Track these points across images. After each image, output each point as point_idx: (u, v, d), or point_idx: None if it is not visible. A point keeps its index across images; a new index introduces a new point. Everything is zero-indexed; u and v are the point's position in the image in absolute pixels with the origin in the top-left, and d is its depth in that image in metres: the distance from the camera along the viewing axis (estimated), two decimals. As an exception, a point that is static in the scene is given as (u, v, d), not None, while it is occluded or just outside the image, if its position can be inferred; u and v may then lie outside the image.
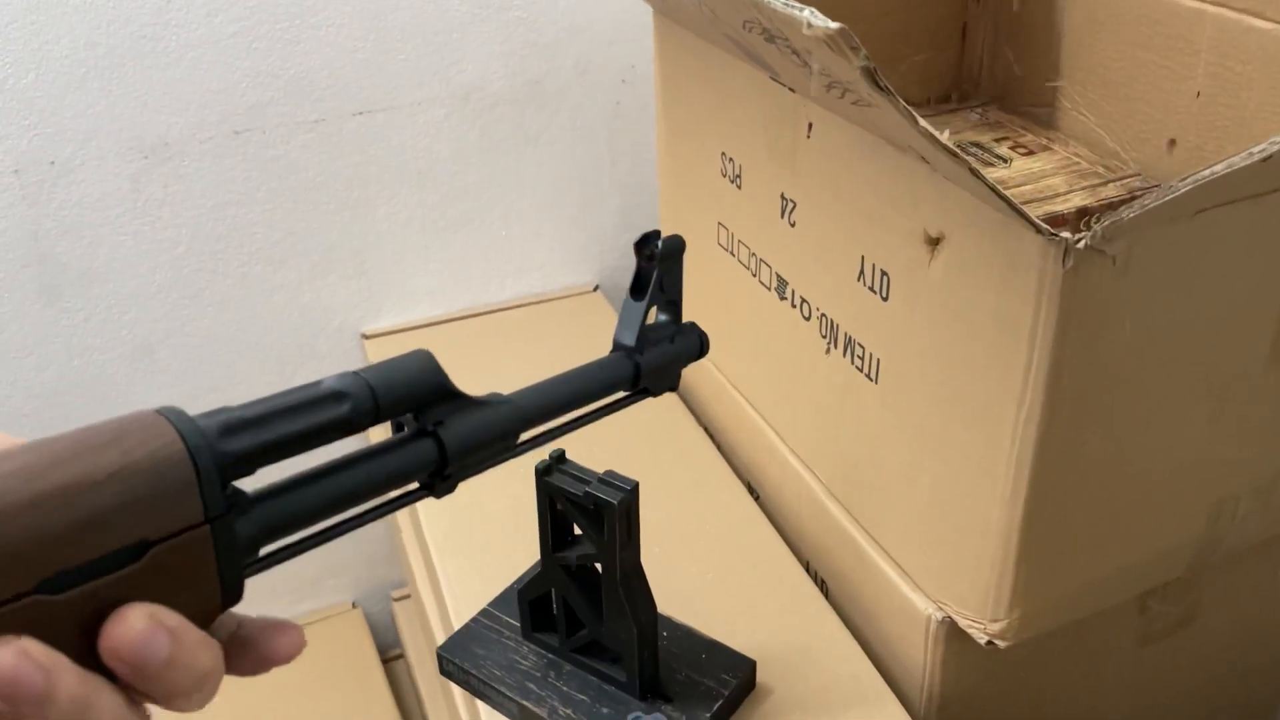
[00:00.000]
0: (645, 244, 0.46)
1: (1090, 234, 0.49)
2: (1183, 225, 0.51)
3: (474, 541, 0.78)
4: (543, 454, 0.60)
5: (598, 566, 0.62)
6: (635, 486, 0.59)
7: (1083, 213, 0.78)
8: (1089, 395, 0.55)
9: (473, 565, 0.76)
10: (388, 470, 0.36)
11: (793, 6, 0.44)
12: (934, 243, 0.58)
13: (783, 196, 0.71)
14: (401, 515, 0.96)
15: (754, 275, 0.78)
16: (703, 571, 0.75)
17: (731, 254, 0.81)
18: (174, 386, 1.01)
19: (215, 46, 0.90)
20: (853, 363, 0.68)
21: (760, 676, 0.66)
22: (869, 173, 0.62)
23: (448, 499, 0.38)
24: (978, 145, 0.89)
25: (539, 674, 0.65)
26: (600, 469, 0.60)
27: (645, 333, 0.47)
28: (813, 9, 0.43)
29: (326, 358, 1.07)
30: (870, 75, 0.43)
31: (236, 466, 0.31)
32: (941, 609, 0.65)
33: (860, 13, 0.89)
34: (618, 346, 0.47)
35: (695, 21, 0.74)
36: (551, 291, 1.13)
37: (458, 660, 0.66)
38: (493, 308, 1.11)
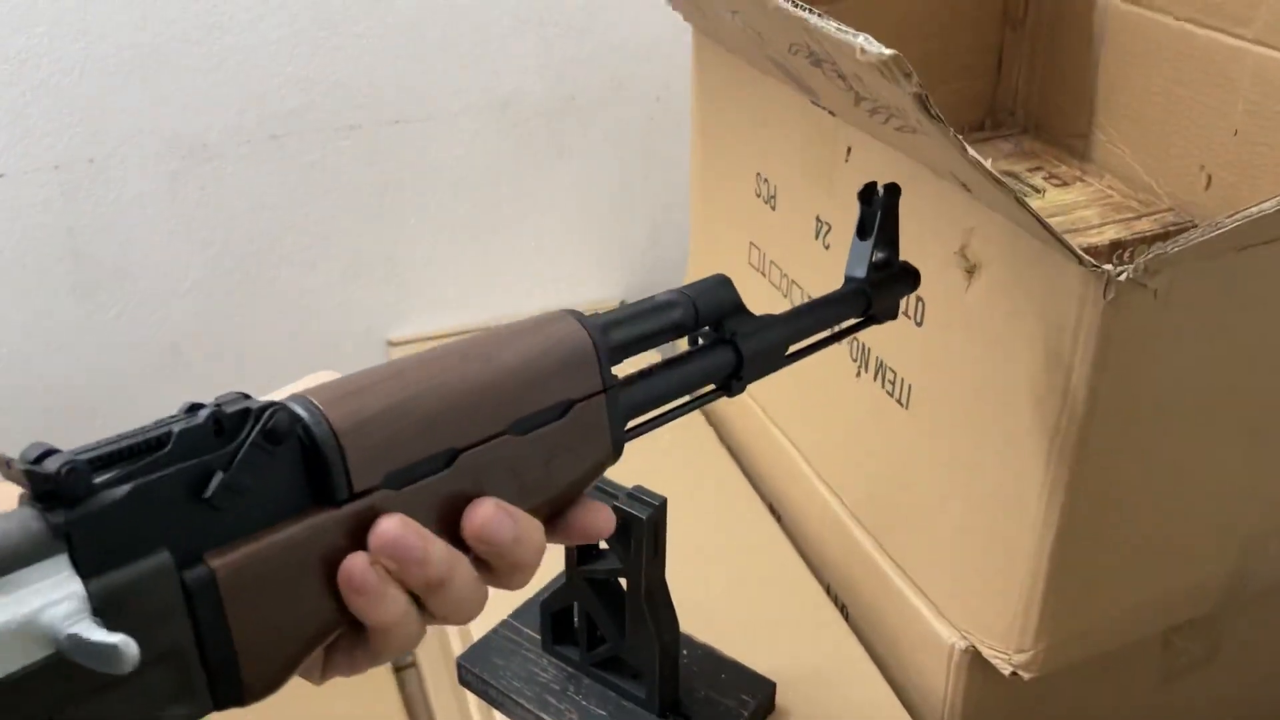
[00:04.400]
0: (868, 193, 0.53)
1: (1132, 267, 0.49)
2: (1225, 261, 0.51)
3: (496, 551, 0.78)
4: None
5: (622, 581, 0.62)
6: (664, 503, 0.59)
7: (1116, 246, 0.78)
8: (1125, 427, 0.55)
9: (494, 575, 0.76)
10: (703, 369, 0.46)
11: (846, 32, 0.44)
12: (971, 270, 0.58)
13: (818, 219, 0.71)
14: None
15: (785, 296, 0.78)
16: (723, 591, 0.74)
17: (762, 274, 0.81)
18: (200, 385, 1.02)
19: (257, 51, 0.91)
20: (883, 387, 0.68)
21: (779, 699, 0.66)
22: (907, 198, 0.61)
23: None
24: (1011, 175, 0.89)
25: (558, 687, 0.65)
26: (625, 484, 0.60)
27: (872, 267, 0.53)
28: (867, 35, 0.43)
29: (351, 362, 1.07)
30: (922, 102, 0.43)
31: (613, 353, 0.42)
32: (965, 637, 0.64)
33: (895, 38, 0.89)
34: (849, 280, 0.53)
35: (736, 42, 0.74)
36: (578, 304, 1.13)
37: (477, 670, 0.66)
38: (519, 318, 1.11)
